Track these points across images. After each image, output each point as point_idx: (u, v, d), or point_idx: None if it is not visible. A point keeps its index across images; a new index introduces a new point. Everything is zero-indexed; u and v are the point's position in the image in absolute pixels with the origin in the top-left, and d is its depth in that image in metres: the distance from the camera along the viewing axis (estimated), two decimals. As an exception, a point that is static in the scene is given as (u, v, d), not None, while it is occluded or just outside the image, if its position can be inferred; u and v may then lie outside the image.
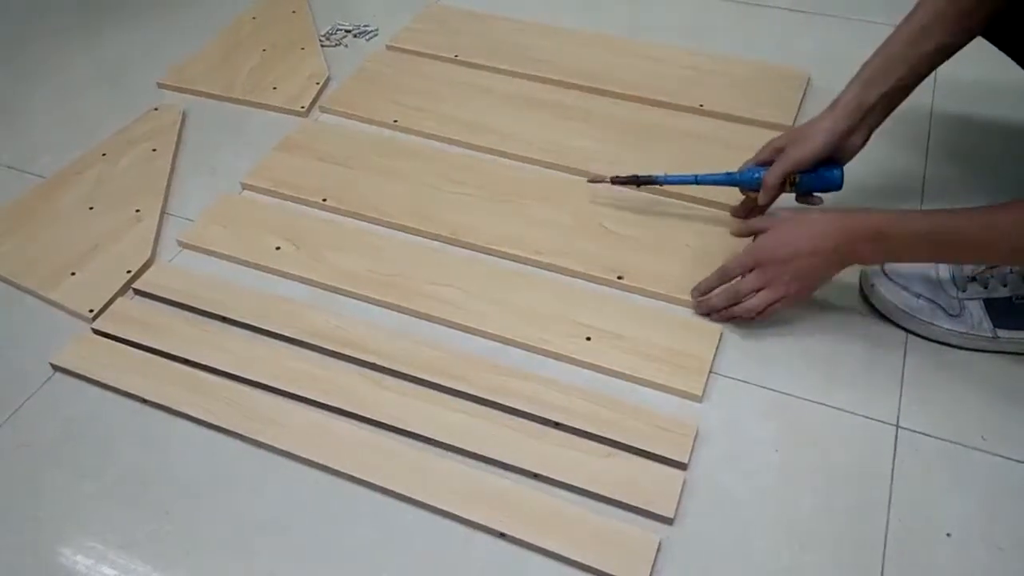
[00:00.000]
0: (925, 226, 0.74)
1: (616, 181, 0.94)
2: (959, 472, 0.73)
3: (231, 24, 1.33)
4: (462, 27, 1.28)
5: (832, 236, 0.77)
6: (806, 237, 0.78)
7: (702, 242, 0.92)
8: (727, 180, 0.90)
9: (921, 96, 1.10)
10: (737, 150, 0.98)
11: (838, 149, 0.84)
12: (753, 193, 0.89)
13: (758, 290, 0.81)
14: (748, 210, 0.93)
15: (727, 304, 0.83)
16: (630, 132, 1.08)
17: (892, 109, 0.83)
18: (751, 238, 0.84)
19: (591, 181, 0.96)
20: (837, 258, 0.78)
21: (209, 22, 1.33)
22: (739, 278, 0.82)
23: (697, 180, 0.91)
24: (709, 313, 0.85)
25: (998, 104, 1.10)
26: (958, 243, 0.73)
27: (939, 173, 1.01)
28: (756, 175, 0.88)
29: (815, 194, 0.88)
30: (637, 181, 0.94)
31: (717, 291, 0.84)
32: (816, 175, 0.86)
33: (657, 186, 0.95)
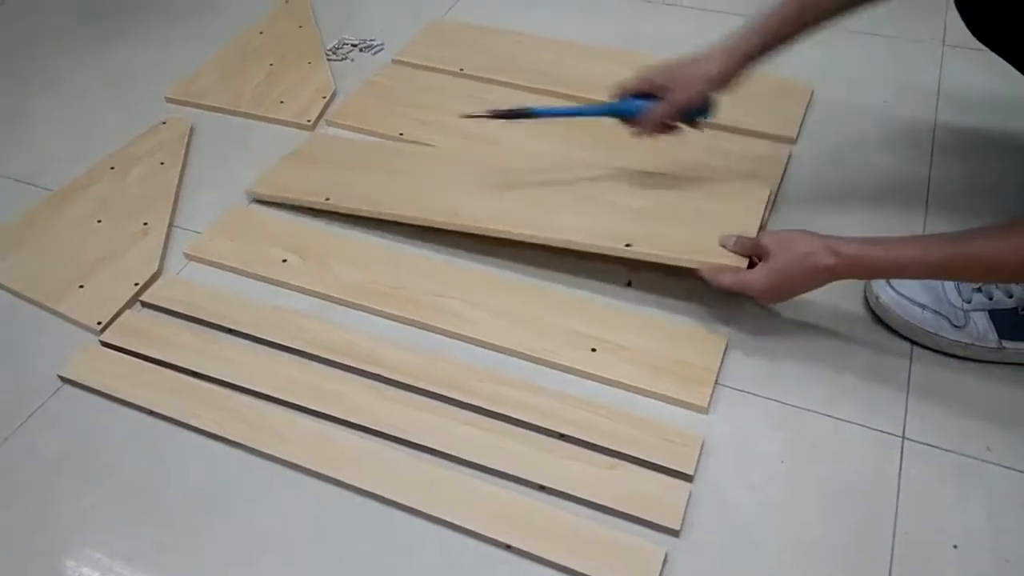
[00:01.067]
0: (895, 261, 0.75)
1: (494, 114, 0.94)
2: (965, 484, 0.73)
3: (238, 38, 1.34)
4: (467, 41, 1.29)
5: (822, 278, 0.78)
6: (801, 276, 0.79)
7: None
8: (607, 111, 0.92)
9: (924, 107, 1.12)
10: (739, 159, 0.99)
11: (718, 91, 0.88)
12: (629, 120, 0.91)
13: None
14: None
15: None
16: (632, 143, 1.08)
17: (773, 55, 0.87)
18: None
19: (464, 116, 0.96)
20: (818, 282, 0.79)
21: (216, 36, 1.34)
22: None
23: (578, 112, 0.94)
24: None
25: (1001, 114, 1.10)
26: (929, 271, 0.76)
27: (943, 184, 1.01)
28: (635, 108, 0.89)
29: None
30: (510, 115, 0.94)
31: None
32: (693, 112, 0.89)
33: (533, 118, 0.95)
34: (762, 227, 0.88)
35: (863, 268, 0.78)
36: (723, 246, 0.85)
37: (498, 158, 1.04)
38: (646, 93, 0.89)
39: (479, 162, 1.04)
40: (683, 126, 0.91)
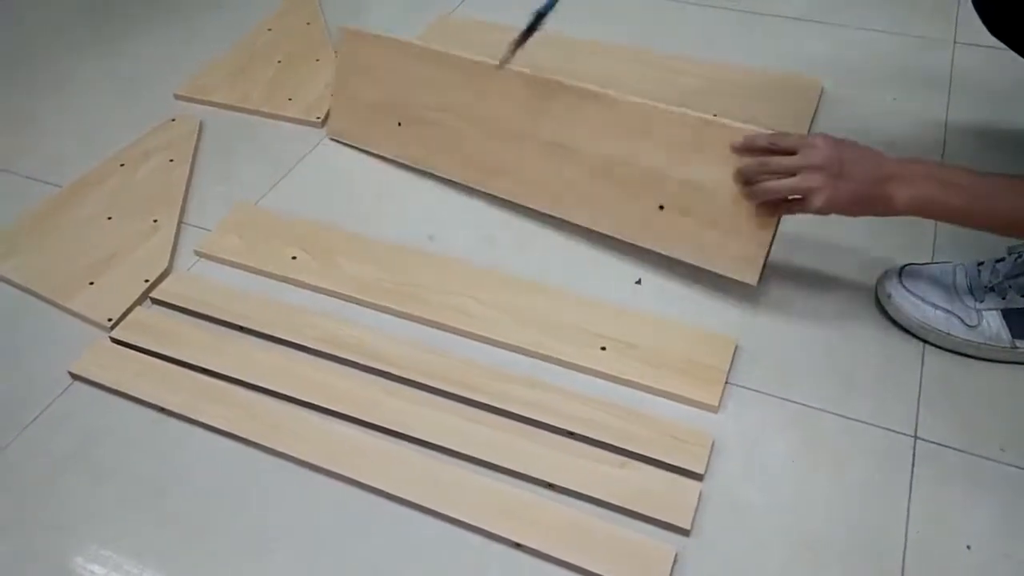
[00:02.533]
0: (963, 201, 0.74)
1: (516, 45, 0.95)
2: (978, 484, 0.73)
3: (247, 36, 1.34)
4: (474, 37, 1.28)
5: (880, 172, 0.75)
6: (866, 156, 0.76)
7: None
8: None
9: (935, 104, 1.11)
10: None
11: None
12: None
13: (791, 175, 0.77)
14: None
15: (755, 174, 0.79)
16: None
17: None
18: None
19: (501, 64, 0.96)
20: (877, 192, 0.75)
21: (225, 34, 1.34)
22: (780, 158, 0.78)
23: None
24: (744, 179, 0.81)
25: (1013, 112, 1.10)
26: (993, 215, 0.74)
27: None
28: None
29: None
30: (528, 34, 0.94)
31: (754, 161, 0.80)
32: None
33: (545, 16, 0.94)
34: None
35: (930, 209, 0.75)
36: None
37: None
38: None
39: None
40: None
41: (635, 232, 0.91)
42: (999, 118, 1.10)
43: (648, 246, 0.90)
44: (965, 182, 0.75)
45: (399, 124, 1.00)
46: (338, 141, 1.11)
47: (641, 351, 0.83)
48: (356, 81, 1.08)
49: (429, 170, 1.05)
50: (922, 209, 0.76)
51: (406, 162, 1.06)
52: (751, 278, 0.84)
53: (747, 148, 0.81)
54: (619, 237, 0.92)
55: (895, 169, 0.76)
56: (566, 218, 0.96)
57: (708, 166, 0.84)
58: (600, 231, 0.93)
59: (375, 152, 1.08)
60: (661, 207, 0.88)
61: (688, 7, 1.37)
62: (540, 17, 0.94)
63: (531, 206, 0.98)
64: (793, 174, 0.77)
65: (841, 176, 0.75)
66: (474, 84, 0.98)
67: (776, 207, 0.80)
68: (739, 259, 0.84)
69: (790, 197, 0.79)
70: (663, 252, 0.89)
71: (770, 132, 0.81)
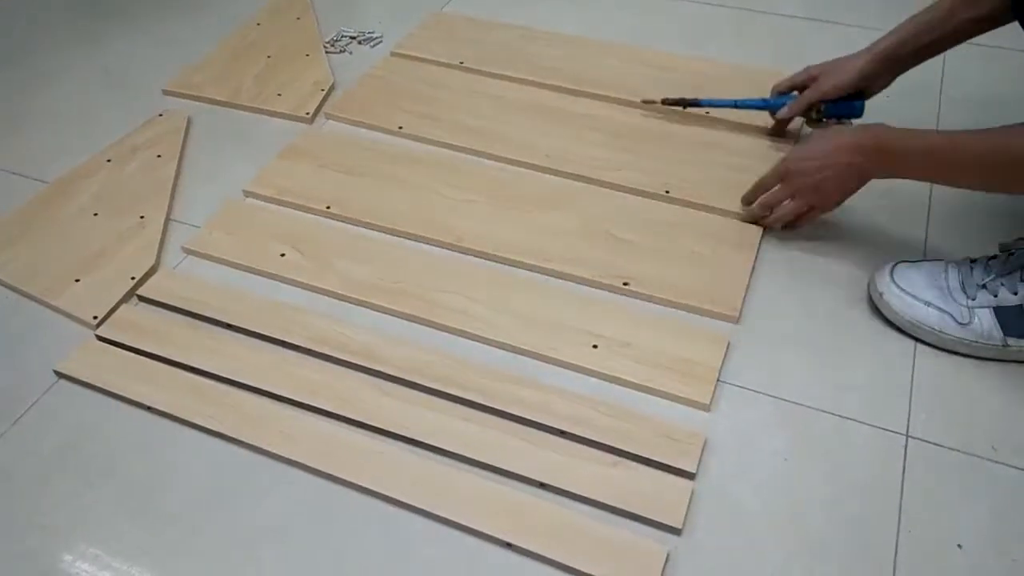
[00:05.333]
0: (925, 143, 0.80)
1: (666, 102, 1.07)
2: (970, 482, 0.73)
3: (236, 31, 1.33)
4: (467, 34, 1.28)
5: (846, 150, 0.84)
6: (824, 152, 0.85)
7: (708, 249, 0.92)
8: (763, 105, 1.02)
9: (926, 105, 1.11)
10: (746, 157, 0.98)
11: (865, 88, 0.96)
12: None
13: (789, 199, 0.89)
14: (776, 131, 1.05)
15: (762, 214, 0.92)
16: (638, 139, 1.07)
17: (922, 62, 0.93)
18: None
19: (645, 102, 1.09)
20: (852, 172, 0.84)
21: (214, 29, 1.33)
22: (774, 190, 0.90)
23: (736, 104, 1.03)
24: (754, 221, 0.94)
25: (1003, 112, 1.09)
26: (958, 161, 0.79)
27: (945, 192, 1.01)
28: (785, 101, 1.00)
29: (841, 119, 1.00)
30: (684, 103, 1.06)
31: (756, 202, 0.92)
32: (840, 104, 0.98)
33: (700, 109, 1.07)
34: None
35: (889, 150, 0.81)
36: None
37: (502, 176, 1.03)
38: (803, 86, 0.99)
39: (481, 173, 1.04)
40: (831, 122, 0.99)
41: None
42: (989, 115, 1.09)
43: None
44: (924, 132, 0.82)
45: (328, 207, 1.01)
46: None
47: (633, 349, 0.83)
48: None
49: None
50: (898, 176, 0.83)
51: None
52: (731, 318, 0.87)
53: (748, 200, 0.94)
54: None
55: (853, 142, 0.83)
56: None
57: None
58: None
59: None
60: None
61: (683, 4, 1.36)
62: (696, 104, 1.06)
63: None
64: (790, 195, 0.89)
65: (820, 188, 0.87)
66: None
67: (799, 220, 0.92)
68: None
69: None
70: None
71: (752, 188, 0.93)
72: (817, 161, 0.85)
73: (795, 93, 1.00)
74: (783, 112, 1.00)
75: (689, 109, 1.07)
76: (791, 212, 0.90)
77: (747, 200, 0.94)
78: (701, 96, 1.06)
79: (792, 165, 0.88)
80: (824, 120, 1.00)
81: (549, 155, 1.05)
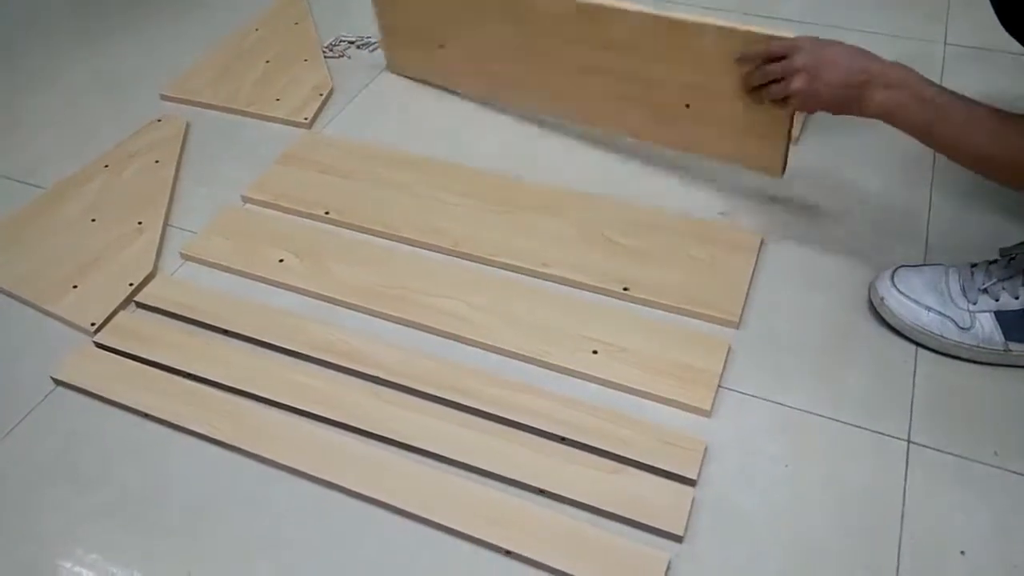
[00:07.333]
0: (928, 119, 0.76)
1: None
2: (972, 488, 0.72)
3: (234, 36, 1.33)
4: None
5: (858, 73, 0.79)
6: (847, 56, 0.80)
7: (708, 254, 0.92)
8: None
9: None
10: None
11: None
12: None
13: (781, 79, 0.84)
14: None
15: (760, 83, 0.87)
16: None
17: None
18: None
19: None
20: (852, 93, 0.79)
21: (212, 34, 1.33)
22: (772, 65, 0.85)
23: None
24: (746, 88, 0.89)
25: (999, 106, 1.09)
26: (949, 123, 0.75)
27: (946, 183, 1.01)
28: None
29: None
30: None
31: (751, 71, 0.88)
32: None
33: None
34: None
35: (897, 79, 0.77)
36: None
37: (499, 182, 1.03)
38: None
39: (478, 178, 1.03)
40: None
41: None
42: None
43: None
44: (942, 100, 0.76)
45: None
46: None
47: (633, 355, 0.82)
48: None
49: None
50: (888, 116, 0.79)
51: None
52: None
53: (745, 59, 0.88)
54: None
55: (876, 70, 0.78)
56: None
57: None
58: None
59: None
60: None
61: (681, 7, 1.36)
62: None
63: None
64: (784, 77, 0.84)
65: (819, 78, 0.80)
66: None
67: (778, 106, 0.87)
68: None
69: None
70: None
71: (766, 36, 0.86)
72: (832, 56, 0.80)
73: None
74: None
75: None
76: (777, 94, 0.84)
77: (745, 59, 0.88)
78: None
79: (807, 43, 0.82)
80: None
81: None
